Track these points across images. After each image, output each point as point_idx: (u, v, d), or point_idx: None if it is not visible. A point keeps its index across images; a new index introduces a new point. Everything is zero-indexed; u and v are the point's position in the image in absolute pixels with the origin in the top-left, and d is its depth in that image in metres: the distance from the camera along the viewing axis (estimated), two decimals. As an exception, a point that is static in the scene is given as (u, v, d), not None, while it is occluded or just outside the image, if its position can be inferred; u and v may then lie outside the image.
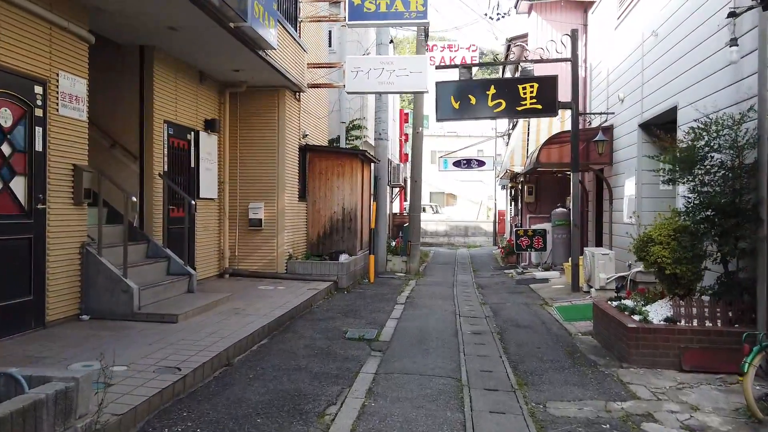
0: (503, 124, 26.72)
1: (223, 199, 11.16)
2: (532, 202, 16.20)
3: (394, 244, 18.07)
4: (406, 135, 24.92)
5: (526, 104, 11.20)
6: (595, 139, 11.36)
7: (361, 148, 15.02)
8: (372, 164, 15.14)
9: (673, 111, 8.51)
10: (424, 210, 37.10)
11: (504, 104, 11.30)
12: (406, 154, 24.88)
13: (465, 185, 41.84)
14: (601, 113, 11.97)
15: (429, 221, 29.41)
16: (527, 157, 14.65)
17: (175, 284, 8.28)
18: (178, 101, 9.51)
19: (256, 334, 6.85)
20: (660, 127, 9.90)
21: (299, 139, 12.42)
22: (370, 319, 8.63)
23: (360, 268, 13.20)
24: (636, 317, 6.33)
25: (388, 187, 21.79)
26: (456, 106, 11.46)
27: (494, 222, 27.32)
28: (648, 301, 6.94)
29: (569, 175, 14.93)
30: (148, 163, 8.78)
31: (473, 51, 49.58)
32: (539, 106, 11.17)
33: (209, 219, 10.72)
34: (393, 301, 10.45)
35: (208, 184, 10.56)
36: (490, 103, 11.33)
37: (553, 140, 12.55)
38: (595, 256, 10.47)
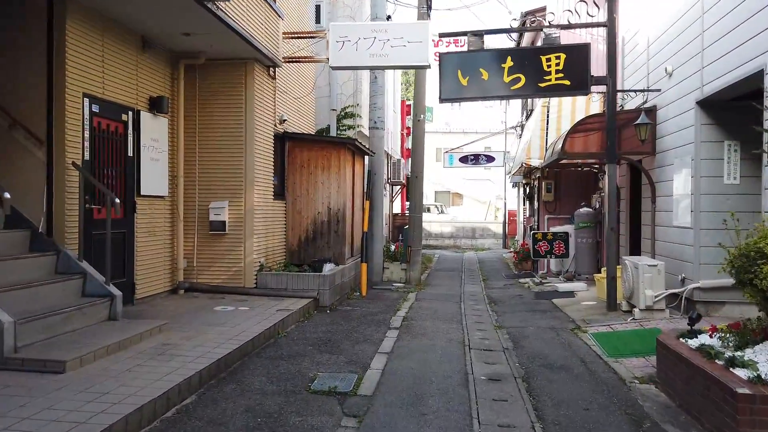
0: (514, 116, 24.49)
1: (177, 196, 9.03)
2: (551, 201, 14.05)
3: (393, 248, 15.88)
4: (408, 129, 22.73)
5: (550, 79, 9.01)
6: (637, 122, 9.15)
7: (360, 143, 12.92)
8: (365, 157, 12.98)
9: (757, 77, 6.31)
10: (428, 210, 34.96)
11: (523, 80, 9.12)
12: (408, 150, 22.69)
13: (472, 184, 39.62)
14: (641, 91, 9.75)
15: (433, 222, 27.24)
16: (547, 149, 12.48)
17: (90, 310, 6.13)
18: (107, 71, 7.37)
19: (176, 391, 4.69)
20: (726, 105, 7.69)
21: (275, 125, 10.27)
22: (352, 354, 6.47)
23: (350, 280, 11.05)
24: (742, 373, 4.14)
25: (387, 185, 19.62)
26: (464, 82, 9.28)
27: (504, 223, 25.12)
28: (744, 341, 4.75)
29: (596, 169, 12.74)
30: (58, 148, 6.63)
31: (480, 45, 47.54)
32: (567, 82, 8.99)
33: (157, 222, 8.59)
34: (385, 324, 8.29)
35: (155, 178, 8.43)
36: (507, 79, 9.15)
37: (581, 126, 10.35)
38: (640, 267, 8.28)
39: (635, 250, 10.63)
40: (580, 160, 12.21)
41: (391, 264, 13.69)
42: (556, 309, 9.78)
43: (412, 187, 13.43)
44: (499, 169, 38.71)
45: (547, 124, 13.13)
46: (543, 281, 12.94)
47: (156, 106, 8.35)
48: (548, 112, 13.15)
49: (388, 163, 19.34)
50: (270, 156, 10.02)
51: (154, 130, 8.37)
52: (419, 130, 13.26)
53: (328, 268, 10.17)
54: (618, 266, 9.17)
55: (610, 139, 9.06)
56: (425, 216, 32.78)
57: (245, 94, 9.27)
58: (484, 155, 21.07)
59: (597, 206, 13.20)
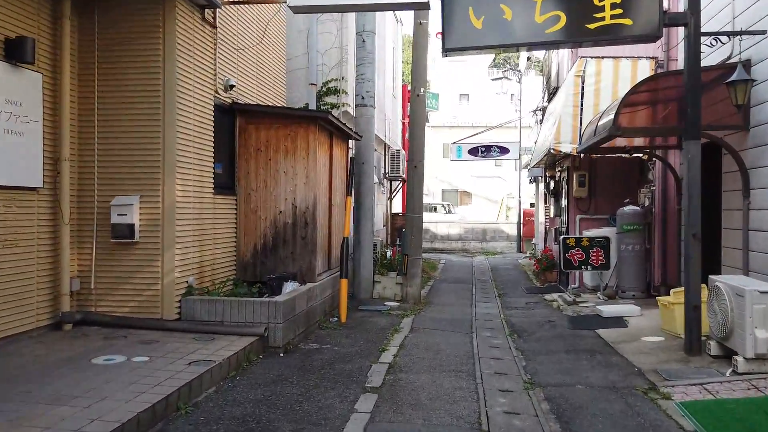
0: (529, 103, 21.53)
1: (62, 188, 6.19)
2: (585, 198, 11.15)
3: (390, 254, 12.99)
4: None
5: (603, 17, 6.11)
6: (732, 78, 6.22)
7: (337, 119, 9.93)
8: (349, 141, 10.12)
9: None
10: (434, 210, 32.03)
11: (564, 19, 6.21)
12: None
13: (481, 182, 36.67)
14: (737, 33, 6.80)
15: (440, 222, 24.35)
16: (583, 130, 9.54)
17: None
18: None
19: None
20: None
21: (215, 92, 7.43)
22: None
23: (322, 302, 8.19)
24: None
25: (385, 181, 16.74)
26: (477, 24, 6.37)
27: (518, 224, 22.17)
28: None
29: (645, 154, 9.79)
30: None
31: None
32: (627, 21, 6.08)
33: (20, 226, 5.76)
34: (360, 381, 5.41)
35: (13, 162, 5.61)
36: (539, 18, 6.24)
37: (640, 92, 7.44)
38: (747, 294, 5.37)
39: (711, 262, 7.68)
40: (628, 144, 9.28)
41: (384, 277, 10.81)
42: (607, 348, 6.85)
43: (410, 181, 10.55)
44: (511, 163, 35.80)
45: (582, 98, 10.22)
46: (576, 299, 10.01)
47: (15, 51, 5.52)
48: (583, 83, 10.24)
49: (385, 154, 16.47)
50: (207, 134, 7.18)
51: (11, 89, 5.55)
52: (419, 107, 10.37)
53: (289, 288, 7.32)
54: (698, 287, 6.25)
55: (693, 104, 6.12)
56: (430, 216, 29.91)
57: (163, 42, 6.42)
58: (497, 146, 18.19)
59: (646, 203, 10.26)
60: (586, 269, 10.25)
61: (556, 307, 9.99)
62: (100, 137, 6.47)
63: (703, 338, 6.19)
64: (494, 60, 44.55)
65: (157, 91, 6.41)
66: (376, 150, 15.82)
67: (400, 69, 20.00)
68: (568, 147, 10.26)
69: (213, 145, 7.30)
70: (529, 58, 23.59)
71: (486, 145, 18.44)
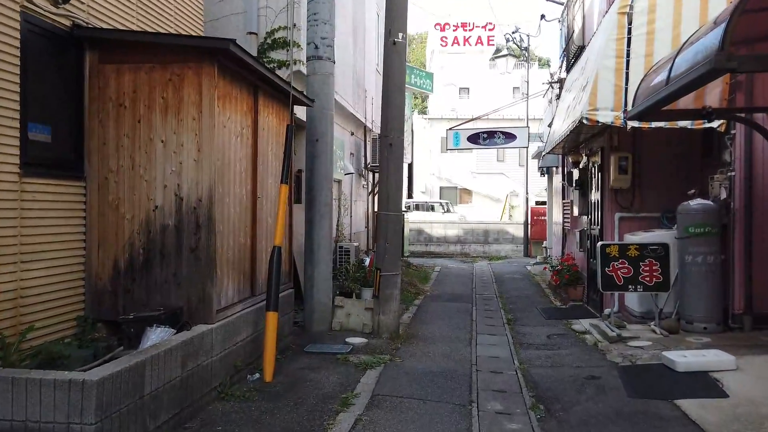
0: (534, 100, 18.32)
1: None
2: (627, 189, 7.92)
3: (367, 263, 9.81)
4: (400, 99, 16.69)
5: None
6: None
7: (259, 61, 6.60)
8: (293, 106, 6.91)
9: None
10: (432, 209, 28.70)
11: None
12: (400, 127, 16.63)
13: (482, 179, 33.40)
14: None
15: (436, 223, 21.15)
16: (639, 85, 6.32)
17: None
18: None
19: None
20: None
21: (25, 0, 4.25)
22: None
23: (229, 354, 5.00)
24: None
25: (366, 172, 13.54)
26: None
27: (525, 224, 18.97)
28: None
29: (725, 122, 6.55)
30: None
31: (490, 30, 41.55)
32: None
33: None
34: None
35: None
36: None
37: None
38: None
39: None
40: (695, 105, 6.07)
41: (348, 300, 7.64)
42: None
43: (383, 164, 7.34)
44: (515, 159, 32.58)
45: (629, 46, 7.03)
46: (621, 334, 6.80)
47: None
48: (630, 24, 7.05)
49: (365, 139, 13.27)
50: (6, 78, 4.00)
51: None
52: (396, 59, 7.15)
53: (153, 338, 4.16)
54: None
55: None
56: (427, 216, 26.64)
57: None
58: (501, 132, 15.00)
59: (722, 196, 7.05)
60: (635, 290, 7.04)
61: (593, 345, 6.80)
62: None
63: None
64: (495, 54, 41.48)
65: None
66: (353, 134, 12.64)
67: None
68: (608, 115, 7.05)
69: (20, 91, 4.12)
70: (527, 50, 20.10)
71: (488, 131, 15.26)
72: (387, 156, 7.18)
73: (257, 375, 5.29)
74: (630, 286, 7.02)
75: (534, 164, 21.00)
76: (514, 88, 37.36)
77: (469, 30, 41.04)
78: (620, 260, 7.04)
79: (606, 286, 7.06)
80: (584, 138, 9.31)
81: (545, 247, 16.08)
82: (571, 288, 9.77)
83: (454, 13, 41.66)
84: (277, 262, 5.50)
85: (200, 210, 4.75)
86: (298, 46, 8.10)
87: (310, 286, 7.24)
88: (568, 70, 11.42)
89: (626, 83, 7.02)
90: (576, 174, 9.86)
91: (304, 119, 7.50)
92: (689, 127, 6.92)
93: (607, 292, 7.19)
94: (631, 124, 6.97)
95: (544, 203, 23.72)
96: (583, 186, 9.51)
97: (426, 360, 6.19)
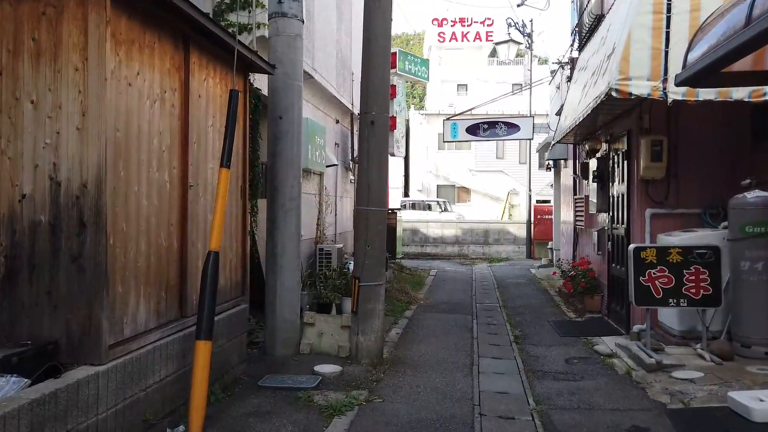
0: (536, 101, 16.83)
1: None
2: (660, 180, 6.45)
3: (351, 268, 8.31)
4: (393, 88, 15.17)
5: None
6: None
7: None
8: (248, 74, 5.43)
9: None
10: (429, 207, 27.18)
11: None
12: (393, 117, 15.12)
13: (481, 176, 31.89)
14: None
15: (432, 222, 19.69)
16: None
17: None
18: None
19: None
20: None
21: None
22: None
23: (141, 400, 3.54)
24: None
25: (353, 164, 12.02)
26: None
27: (528, 223, 17.50)
28: None
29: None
30: None
31: (489, 25, 40.05)
32: None
33: None
34: None
35: None
36: None
37: None
38: None
39: None
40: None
41: (321, 316, 6.17)
42: None
43: (363, 148, 5.86)
44: (515, 156, 31.08)
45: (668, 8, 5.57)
46: (661, 361, 5.34)
47: None
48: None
49: (352, 128, 11.79)
50: None
51: None
52: (379, 14, 5.67)
53: (-13, 396, 2.65)
54: None
55: None
56: (423, 215, 25.16)
57: None
58: (503, 122, 13.51)
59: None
60: (677, 304, 5.57)
61: (626, 374, 5.34)
62: None
63: None
64: (493, 50, 40.13)
65: None
66: (338, 122, 11.15)
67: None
68: (644, 86, 5.58)
69: None
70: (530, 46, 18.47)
71: (489, 121, 13.79)
72: (367, 137, 5.71)
73: (181, 428, 3.82)
74: (671, 300, 5.55)
75: (536, 161, 19.54)
76: (513, 84, 35.94)
77: (468, 25, 39.65)
78: (658, 267, 5.58)
79: (641, 299, 5.60)
80: (604, 121, 7.86)
81: (551, 248, 14.62)
82: (588, 297, 8.31)
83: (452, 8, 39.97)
84: (212, 273, 4.02)
85: (86, 200, 3.28)
86: (263, 6, 6.61)
87: (272, 300, 5.77)
88: (580, 49, 9.96)
89: (666, 45, 5.56)
90: (593, 164, 8.38)
91: (264, 90, 6.03)
92: (746, 99, 5.45)
93: (642, 307, 5.71)
94: (673, 96, 5.52)
95: (545, 202, 22.29)
96: (603, 178, 8.04)
97: (414, 398, 4.72)
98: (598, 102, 6.15)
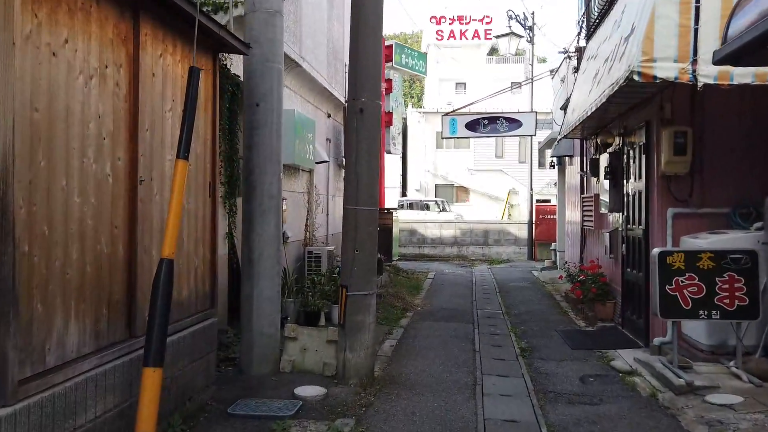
0: (538, 100, 16.12)
1: None
2: (684, 176, 5.77)
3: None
4: (389, 82, 14.48)
5: None
6: None
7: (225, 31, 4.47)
8: (218, 54, 4.72)
9: None
10: (427, 207, 26.48)
11: None
12: (389, 113, 14.46)
13: (480, 176, 31.18)
14: None
15: (430, 223, 19.01)
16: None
17: None
18: None
19: None
20: None
21: None
22: None
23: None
24: None
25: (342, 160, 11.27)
26: None
27: (529, 223, 16.81)
28: None
29: None
30: None
31: (488, 23, 39.36)
32: None
33: None
34: None
35: None
36: None
37: None
38: None
39: None
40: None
41: (304, 330, 5.47)
42: None
43: (349, 139, 5.14)
44: (515, 154, 30.37)
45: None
46: (692, 382, 4.64)
47: None
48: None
49: (344, 122, 11.06)
50: None
51: None
52: (367, -11, 4.99)
53: None
54: None
55: None
56: (420, 215, 24.30)
57: None
58: (504, 117, 12.82)
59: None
60: (709, 317, 4.88)
61: (650, 396, 4.65)
62: None
63: None
64: (492, 49, 39.55)
65: None
66: (330, 116, 10.44)
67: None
68: (671, 68, 4.88)
69: None
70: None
71: (490, 117, 13.10)
72: (356, 127, 5.00)
73: (123, 475, 3.12)
74: (701, 312, 4.86)
75: (536, 160, 18.85)
76: (512, 83, 35.30)
77: (466, 23, 39.06)
78: (687, 275, 4.88)
79: (666, 311, 4.90)
80: (617, 112, 7.16)
81: (554, 249, 13.94)
82: (599, 304, 7.62)
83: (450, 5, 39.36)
84: (164, 285, 3.31)
85: (-17, 198, 2.56)
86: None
87: (247, 312, 5.06)
88: (588, 37, 9.26)
89: (696, 22, 4.87)
90: (605, 160, 7.68)
91: (240, 76, 5.32)
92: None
93: (669, 320, 5.01)
94: (704, 79, 4.82)
95: (545, 201, 21.62)
96: (616, 174, 7.34)
97: (409, 429, 4.02)
98: (615, 89, 5.45)
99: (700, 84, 4.84)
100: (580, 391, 4.93)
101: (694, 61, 4.84)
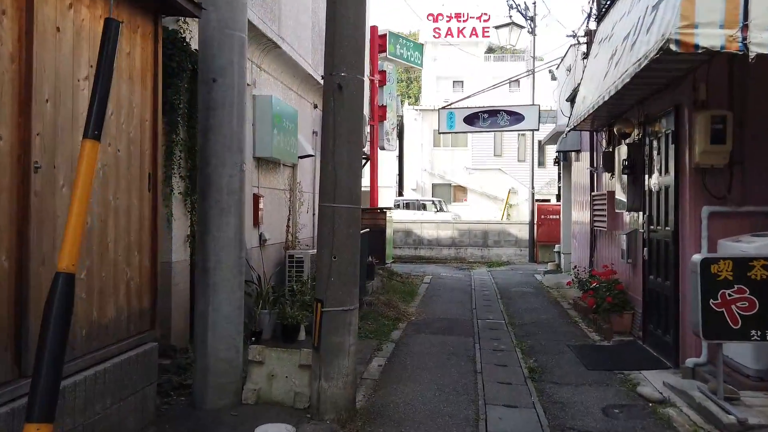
0: (538, 99, 15.18)
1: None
2: (722, 169, 4.91)
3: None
4: (383, 74, 13.56)
5: None
6: None
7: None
8: (159, 16, 3.82)
9: None
10: (423, 207, 25.57)
11: None
12: (383, 107, 13.54)
13: (478, 175, 30.29)
14: None
15: (427, 223, 18.11)
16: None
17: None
18: None
19: None
20: None
21: None
22: None
23: None
24: None
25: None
26: None
27: (531, 224, 15.92)
28: None
29: None
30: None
31: (485, 21, 38.50)
32: None
33: None
34: None
35: None
36: None
37: None
38: None
39: None
40: None
41: (270, 353, 4.54)
42: None
43: (326, 121, 4.24)
44: (513, 153, 29.52)
45: None
46: (745, 419, 3.76)
47: None
48: None
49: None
50: None
51: None
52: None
53: None
54: None
55: None
56: (416, 215, 23.39)
57: None
58: (505, 111, 11.91)
59: None
60: (763, 337, 3.98)
61: (694, 438, 3.75)
62: None
63: None
64: (490, 48, 38.83)
65: None
66: (316, 107, 9.55)
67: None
68: (717, 35, 3.97)
69: None
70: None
71: (490, 110, 12.21)
72: (333, 107, 4.10)
73: None
74: (754, 333, 3.97)
75: (536, 158, 18.00)
76: (512, 78, 34.52)
77: (463, 21, 38.30)
78: (736, 287, 3.99)
79: (711, 331, 4.00)
80: (636, 98, 6.27)
81: (558, 251, 13.06)
82: (615, 315, 6.71)
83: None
84: (59, 309, 2.41)
85: None
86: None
87: (201, 332, 4.15)
88: (599, 19, 8.37)
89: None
90: (622, 152, 6.77)
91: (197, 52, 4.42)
92: None
93: (714, 341, 4.11)
94: (757, 49, 3.92)
95: (546, 201, 20.76)
96: (635, 169, 6.44)
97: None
98: (644, 64, 4.54)
99: (752, 55, 3.93)
100: (605, 428, 4.04)
101: (744, 27, 3.93)
